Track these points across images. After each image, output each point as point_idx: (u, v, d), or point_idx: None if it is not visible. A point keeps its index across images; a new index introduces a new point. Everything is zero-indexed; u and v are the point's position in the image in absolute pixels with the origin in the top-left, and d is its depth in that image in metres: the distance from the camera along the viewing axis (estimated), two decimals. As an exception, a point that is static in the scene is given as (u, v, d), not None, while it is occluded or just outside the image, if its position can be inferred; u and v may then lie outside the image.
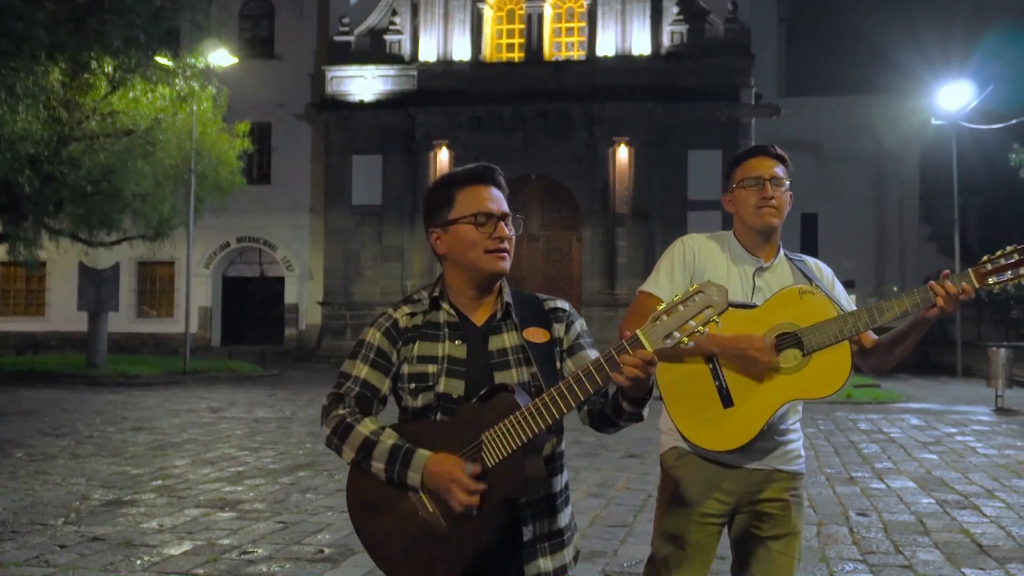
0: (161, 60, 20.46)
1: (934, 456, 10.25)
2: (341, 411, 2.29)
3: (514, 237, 2.35)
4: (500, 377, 2.26)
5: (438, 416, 2.27)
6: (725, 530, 2.97)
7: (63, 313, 29.20)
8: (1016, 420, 14.13)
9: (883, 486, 8.38)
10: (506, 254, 2.29)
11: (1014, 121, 23.22)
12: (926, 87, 26.11)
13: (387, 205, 28.30)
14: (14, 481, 8.21)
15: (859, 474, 9.03)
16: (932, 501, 7.67)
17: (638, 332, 2.04)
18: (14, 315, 31.48)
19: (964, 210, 25.90)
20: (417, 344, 2.31)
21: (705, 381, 2.72)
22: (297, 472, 8.82)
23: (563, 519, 2.33)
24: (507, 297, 2.35)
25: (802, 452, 2.95)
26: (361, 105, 28.55)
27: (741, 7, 27.40)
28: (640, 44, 27.58)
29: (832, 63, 32.31)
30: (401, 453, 2.18)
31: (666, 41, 27.65)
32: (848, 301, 2.95)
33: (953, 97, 24.74)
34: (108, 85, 20.05)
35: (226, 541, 6.10)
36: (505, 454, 2.11)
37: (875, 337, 2.90)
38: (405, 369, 2.31)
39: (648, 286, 2.93)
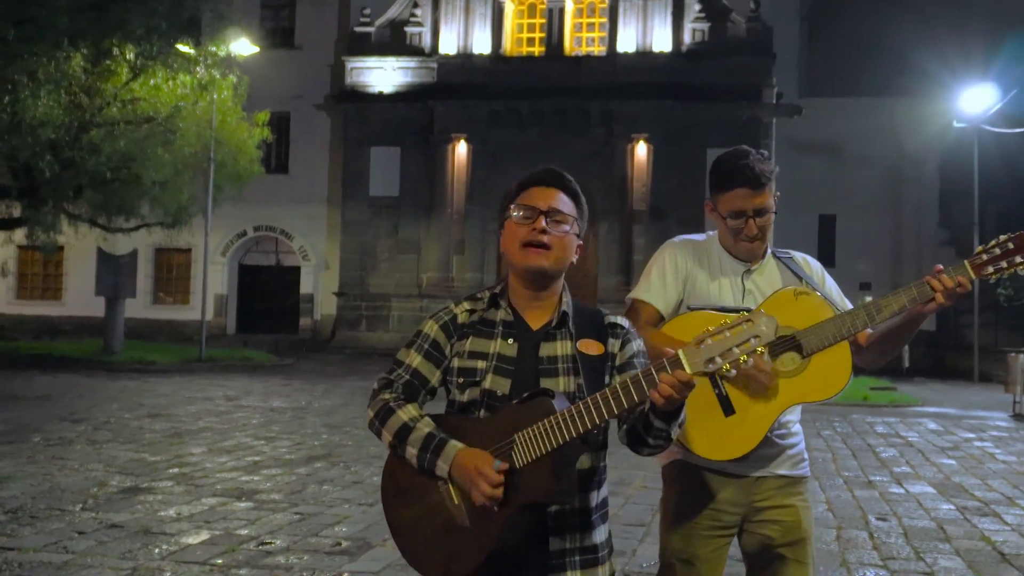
0: (182, 48, 20.53)
1: (952, 461, 10.18)
2: (387, 396, 2.34)
3: (569, 237, 2.33)
4: (546, 383, 2.25)
5: (481, 412, 2.28)
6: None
7: (80, 298, 29.35)
8: (1034, 427, 14.03)
9: (902, 491, 8.32)
10: (543, 249, 2.27)
11: (1038, 126, 23.04)
12: (948, 90, 25.88)
13: (404, 197, 28.31)
14: (32, 466, 8.24)
15: (877, 478, 8.97)
16: (952, 507, 7.61)
17: (679, 353, 2.03)
18: (31, 299, 31.70)
19: (983, 214, 25.62)
20: (470, 340, 2.34)
21: (704, 390, 2.59)
22: (313, 463, 8.82)
23: (598, 536, 2.30)
24: (565, 306, 2.35)
25: (805, 456, 2.89)
26: (380, 97, 28.57)
27: (763, 6, 27.25)
28: (661, 41, 27.47)
29: (853, 64, 32.10)
30: (434, 442, 2.20)
31: (687, 39, 27.53)
32: (840, 295, 2.90)
33: (975, 100, 24.55)
34: (129, 72, 20.12)
35: (244, 531, 6.10)
36: (534, 457, 2.10)
37: (871, 331, 2.83)
38: (456, 363, 2.34)
39: (640, 293, 2.86)
